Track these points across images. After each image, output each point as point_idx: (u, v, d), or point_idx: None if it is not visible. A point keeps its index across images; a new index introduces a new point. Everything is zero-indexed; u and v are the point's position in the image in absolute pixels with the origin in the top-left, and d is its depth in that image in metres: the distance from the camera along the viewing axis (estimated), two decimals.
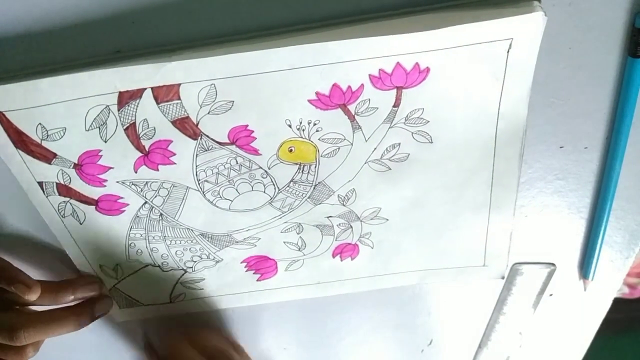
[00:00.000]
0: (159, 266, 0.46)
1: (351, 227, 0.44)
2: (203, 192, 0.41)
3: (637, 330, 1.26)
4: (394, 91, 0.36)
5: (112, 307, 0.47)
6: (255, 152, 0.39)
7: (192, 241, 0.44)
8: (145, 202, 0.41)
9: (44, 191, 0.39)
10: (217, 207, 0.42)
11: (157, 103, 0.36)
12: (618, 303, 0.55)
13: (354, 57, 0.34)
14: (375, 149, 0.39)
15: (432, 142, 0.39)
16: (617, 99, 0.39)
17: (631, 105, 0.39)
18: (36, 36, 0.34)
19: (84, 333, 0.51)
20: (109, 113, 0.36)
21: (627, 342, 1.26)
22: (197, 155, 0.38)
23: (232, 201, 0.41)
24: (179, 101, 0.36)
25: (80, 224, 0.42)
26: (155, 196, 0.40)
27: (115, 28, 0.34)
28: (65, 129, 0.36)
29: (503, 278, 0.50)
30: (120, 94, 0.35)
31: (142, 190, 0.40)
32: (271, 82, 0.35)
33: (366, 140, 0.39)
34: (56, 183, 0.39)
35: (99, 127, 0.36)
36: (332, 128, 0.38)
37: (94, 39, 0.35)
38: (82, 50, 0.35)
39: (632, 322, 1.23)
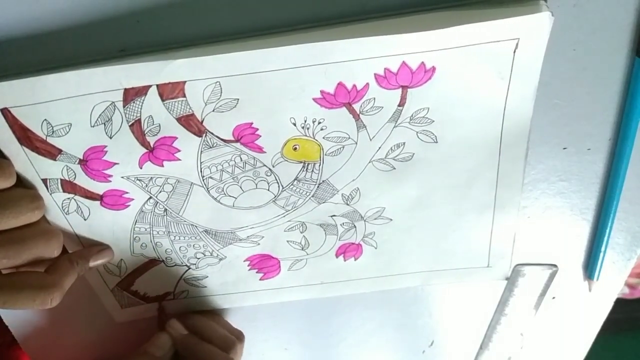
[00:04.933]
0: (162, 261, 0.46)
1: (355, 226, 0.44)
2: (207, 189, 0.41)
3: (637, 330, 1.26)
4: (399, 90, 0.36)
5: (111, 257, 0.45)
6: (260, 149, 0.39)
7: (196, 237, 0.44)
8: (150, 198, 0.41)
9: (47, 188, 0.39)
10: (221, 203, 0.42)
11: (162, 100, 0.36)
12: (618, 303, 0.55)
13: (359, 56, 0.34)
14: (379, 148, 0.39)
15: (437, 142, 0.39)
16: (623, 100, 0.39)
17: (638, 106, 0.39)
18: (41, 34, 0.34)
19: (85, 333, 0.52)
20: (114, 109, 0.36)
21: (627, 342, 1.26)
22: (201, 152, 0.38)
23: (236, 198, 0.41)
24: (184, 98, 0.36)
25: (85, 220, 0.42)
26: (160, 191, 0.41)
27: (120, 27, 0.34)
28: (71, 125, 0.36)
29: (507, 279, 0.50)
30: (126, 90, 0.35)
31: (146, 186, 0.40)
32: (276, 81, 0.35)
33: (371, 139, 0.39)
34: (60, 179, 0.39)
35: (105, 123, 0.36)
36: (336, 127, 0.38)
37: (98, 37, 0.35)
38: (87, 48, 0.35)
39: (633, 322, 1.23)
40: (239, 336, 0.50)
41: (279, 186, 0.41)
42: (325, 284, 0.49)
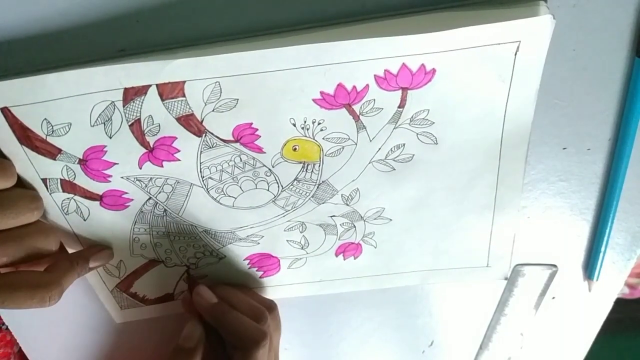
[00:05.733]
0: (162, 261, 0.46)
1: (354, 226, 0.44)
2: (207, 189, 0.41)
3: (637, 330, 1.26)
4: (399, 92, 0.36)
5: (111, 257, 0.45)
6: (260, 150, 0.39)
7: (195, 237, 0.44)
8: (150, 198, 0.41)
9: (47, 188, 0.39)
10: (220, 204, 0.42)
11: (162, 100, 0.36)
12: (618, 303, 0.55)
13: (359, 57, 0.34)
14: (379, 149, 0.39)
15: (437, 144, 0.39)
16: (622, 100, 0.39)
17: (638, 106, 0.39)
18: (41, 34, 0.34)
19: (85, 333, 0.52)
20: (114, 109, 0.36)
21: (627, 342, 1.26)
22: (201, 152, 0.38)
23: (235, 198, 0.41)
24: (184, 98, 0.36)
25: (84, 220, 0.42)
26: (160, 192, 0.41)
27: (120, 27, 0.34)
28: (71, 125, 0.36)
29: (506, 279, 0.50)
30: (126, 90, 0.35)
31: (146, 186, 0.40)
32: (276, 81, 0.35)
33: (371, 140, 0.39)
34: (60, 179, 0.39)
35: (104, 123, 0.36)
36: (336, 127, 0.38)
37: (98, 37, 0.35)
38: (86, 48, 0.35)
39: (632, 322, 1.23)
40: (270, 306, 0.47)
41: (278, 186, 0.41)
42: (324, 281, 0.49)
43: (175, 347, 0.44)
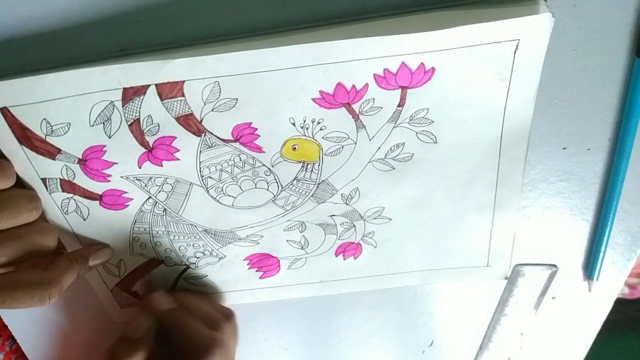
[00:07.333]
0: (162, 260, 0.46)
1: (354, 226, 0.44)
2: (207, 189, 0.41)
3: (637, 330, 1.26)
4: (399, 91, 0.36)
5: (110, 255, 0.44)
6: (259, 149, 0.39)
7: (195, 237, 0.44)
8: (149, 197, 0.41)
9: (47, 188, 0.39)
10: (220, 203, 0.42)
11: (161, 99, 0.36)
12: (618, 303, 0.55)
13: (358, 56, 0.34)
14: (379, 148, 0.39)
15: (436, 142, 0.39)
16: (622, 100, 0.39)
17: (638, 106, 0.39)
18: (41, 34, 0.34)
19: (85, 333, 0.52)
20: (113, 109, 0.36)
21: (627, 342, 1.26)
22: (200, 151, 0.38)
23: (235, 198, 0.41)
24: (183, 98, 0.36)
25: (84, 220, 0.42)
26: (159, 191, 0.41)
27: (120, 27, 0.34)
28: (70, 124, 0.36)
29: (506, 279, 0.50)
30: (125, 90, 0.35)
31: (146, 186, 0.40)
32: (275, 81, 0.35)
33: (370, 140, 0.39)
34: (60, 179, 0.39)
35: (104, 123, 0.36)
36: (336, 127, 0.38)
37: (98, 37, 0.35)
38: (86, 48, 0.35)
39: (632, 322, 1.23)
40: (228, 315, 0.47)
41: (278, 186, 0.41)
42: (324, 282, 0.49)
43: (121, 335, 0.44)
